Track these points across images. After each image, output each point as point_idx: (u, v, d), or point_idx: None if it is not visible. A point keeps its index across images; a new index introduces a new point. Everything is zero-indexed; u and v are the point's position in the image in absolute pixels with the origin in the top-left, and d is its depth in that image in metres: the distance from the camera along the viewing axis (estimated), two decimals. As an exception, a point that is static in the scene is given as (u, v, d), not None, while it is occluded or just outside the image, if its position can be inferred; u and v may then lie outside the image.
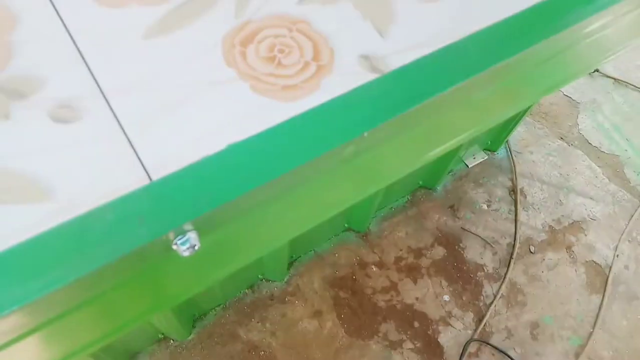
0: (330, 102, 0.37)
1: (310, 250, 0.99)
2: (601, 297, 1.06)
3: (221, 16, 0.40)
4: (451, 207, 1.12)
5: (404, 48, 0.40)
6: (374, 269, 1.02)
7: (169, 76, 0.37)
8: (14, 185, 0.32)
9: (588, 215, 1.18)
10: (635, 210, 1.18)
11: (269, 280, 0.96)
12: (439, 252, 1.05)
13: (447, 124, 0.48)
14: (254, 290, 0.96)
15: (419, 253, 1.05)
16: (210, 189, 0.33)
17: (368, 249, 1.03)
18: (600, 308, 1.05)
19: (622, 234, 1.15)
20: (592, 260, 1.11)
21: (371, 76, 0.39)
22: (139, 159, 0.33)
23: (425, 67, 0.39)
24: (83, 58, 0.37)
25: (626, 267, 1.11)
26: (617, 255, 1.12)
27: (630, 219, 1.17)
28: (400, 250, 1.04)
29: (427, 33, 0.41)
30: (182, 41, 0.38)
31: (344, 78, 0.38)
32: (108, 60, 0.37)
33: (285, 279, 0.97)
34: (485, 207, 1.14)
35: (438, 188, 1.12)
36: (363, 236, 1.04)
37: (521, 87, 0.52)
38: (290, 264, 0.98)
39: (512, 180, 1.20)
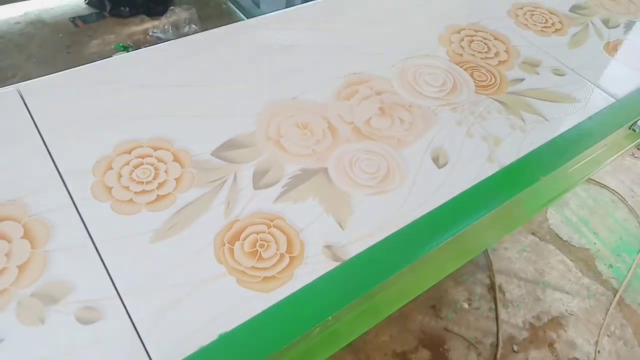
0: (300, 290, 0.46)
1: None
2: (583, 396, 1.11)
3: (214, 217, 0.50)
4: (433, 307, 1.19)
5: (359, 237, 0.50)
6: (362, 376, 1.08)
7: (172, 275, 0.46)
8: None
9: (566, 310, 1.24)
10: (610, 304, 1.25)
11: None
12: (424, 355, 1.11)
13: (414, 284, 0.57)
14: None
15: (404, 357, 1.10)
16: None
17: (352, 354, 1.09)
18: (582, 407, 1.09)
19: (600, 329, 1.21)
20: (575, 358, 1.16)
21: (334, 264, 0.48)
22: (147, 353, 0.42)
23: (375, 254, 0.49)
24: (103, 262, 0.46)
25: (606, 363, 1.16)
26: (599, 351, 1.17)
27: (606, 313, 1.24)
28: (385, 354, 1.10)
29: (376, 223, 0.51)
30: (182, 242, 0.48)
31: (312, 267, 0.48)
32: (123, 263, 0.46)
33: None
34: (466, 305, 1.21)
35: (419, 291, 1.19)
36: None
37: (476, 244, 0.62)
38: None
39: (489, 277, 1.28)
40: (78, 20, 3.09)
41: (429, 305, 1.19)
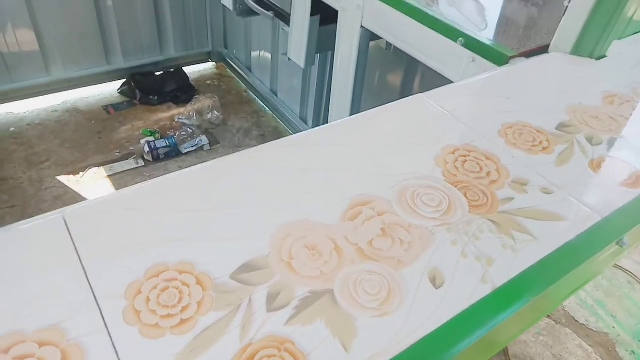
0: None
1: None
2: None
3: (230, 341, 0.56)
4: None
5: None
6: None
7: (191, 400, 0.51)
8: None
9: (585, 404, 1.22)
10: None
11: None
12: None
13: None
14: None
15: None
16: None
17: None
18: None
19: None
20: None
21: (338, 389, 0.53)
22: None
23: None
24: (130, 385, 0.52)
25: None
26: None
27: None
28: None
29: (379, 345, 0.56)
30: (201, 367, 0.54)
31: (318, 392, 0.52)
32: (148, 386, 0.52)
33: None
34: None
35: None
36: None
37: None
38: None
39: (504, 371, 1.27)
40: (110, 108, 3.34)
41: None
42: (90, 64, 3.35)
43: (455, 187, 0.79)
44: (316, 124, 3.09)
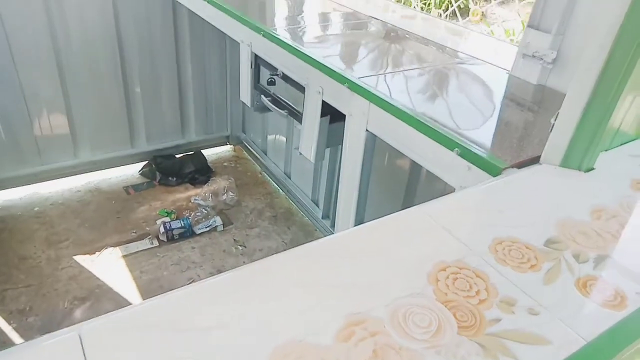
0: None
1: None
2: None
3: None
4: None
5: None
6: None
7: None
8: None
9: None
10: None
11: None
12: None
13: None
14: None
15: None
16: None
17: None
18: None
19: None
20: None
21: None
22: None
23: None
24: None
25: None
26: None
27: None
28: None
29: None
30: None
31: None
32: None
33: None
34: None
35: None
36: None
37: None
38: None
39: None
40: (131, 189, 3.50)
41: None
42: (116, 147, 3.56)
43: (445, 306, 0.84)
44: (327, 207, 3.18)
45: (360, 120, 1.73)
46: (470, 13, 5.38)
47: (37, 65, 3.01)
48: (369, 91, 1.67)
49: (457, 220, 1.07)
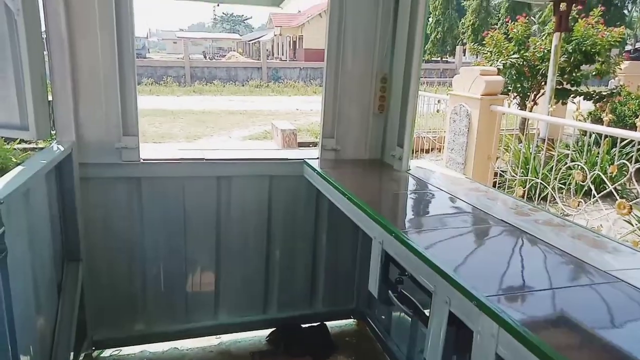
0: None
1: None
2: None
3: None
4: None
5: None
6: None
7: None
8: None
9: None
10: None
11: None
12: None
13: None
14: None
15: None
16: None
17: None
18: None
19: None
20: None
21: None
22: None
23: None
24: None
25: None
26: None
27: None
28: None
29: None
30: None
31: None
32: None
33: None
34: None
35: None
36: None
37: None
38: None
39: None
40: (257, 356, 3.64)
41: None
42: (250, 311, 3.83)
43: None
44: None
45: (489, 342, 1.65)
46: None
47: (201, 238, 3.55)
48: (497, 314, 1.62)
49: None
